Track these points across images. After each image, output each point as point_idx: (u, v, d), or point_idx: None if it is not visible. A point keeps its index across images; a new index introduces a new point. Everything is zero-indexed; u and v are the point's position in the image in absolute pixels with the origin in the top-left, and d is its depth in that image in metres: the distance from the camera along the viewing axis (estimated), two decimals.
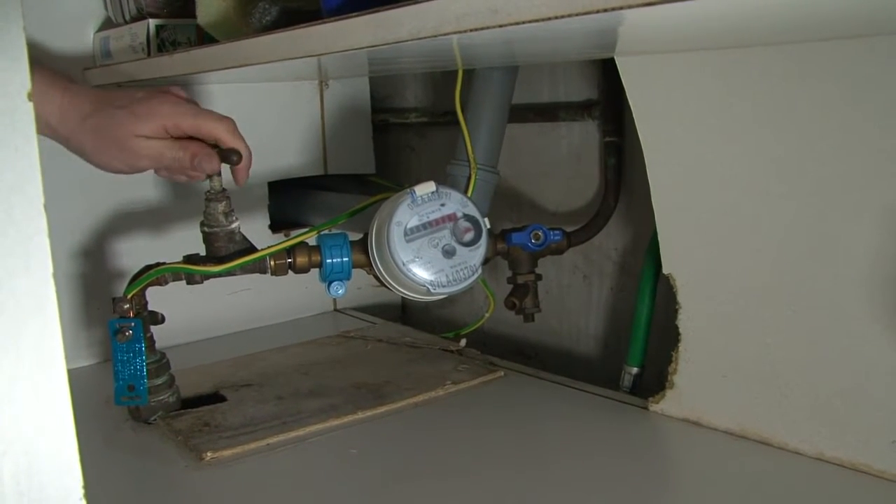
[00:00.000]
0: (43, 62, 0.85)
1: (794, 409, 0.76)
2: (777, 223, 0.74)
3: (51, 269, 0.35)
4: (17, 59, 0.34)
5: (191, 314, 1.19)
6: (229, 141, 0.83)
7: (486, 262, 0.85)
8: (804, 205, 0.72)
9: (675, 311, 0.84)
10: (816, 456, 0.75)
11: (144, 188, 1.17)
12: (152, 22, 1.01)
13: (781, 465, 0.76)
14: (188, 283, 0.86)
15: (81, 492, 0.36)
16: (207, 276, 0.86)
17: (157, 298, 0.90)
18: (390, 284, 0.84)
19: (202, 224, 0.87)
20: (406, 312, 1.49)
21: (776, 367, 0.77)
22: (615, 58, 0.82)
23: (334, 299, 1.40)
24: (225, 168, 0.85)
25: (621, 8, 0.40)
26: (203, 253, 0.87)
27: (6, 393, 0.34)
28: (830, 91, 0.68)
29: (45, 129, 0.84)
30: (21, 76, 0.34)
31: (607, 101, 1.05)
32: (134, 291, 0.86)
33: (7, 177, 0.34)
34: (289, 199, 1.32)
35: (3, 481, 0.34)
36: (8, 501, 0.34)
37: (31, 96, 0.34)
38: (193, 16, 0.94)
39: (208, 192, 0.86)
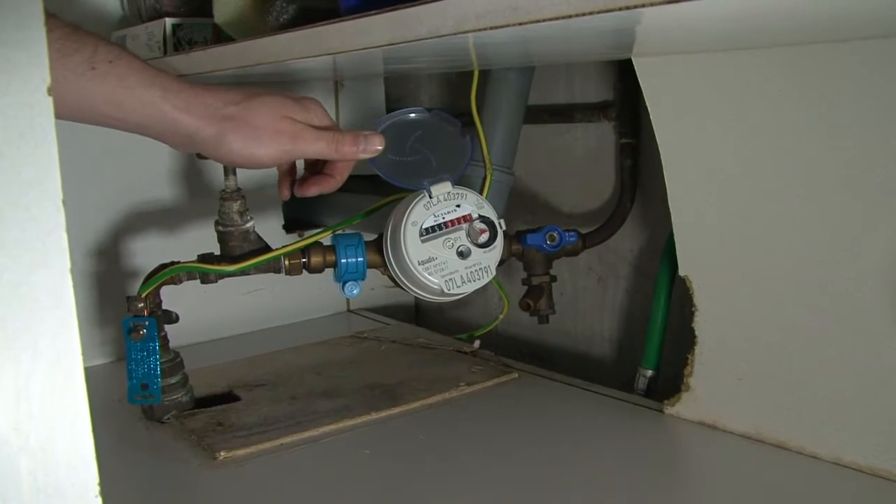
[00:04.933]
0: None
1: (811, 412, 0.76)
2: (795, 225, 0.74)
3: (68, 265, 0.35)
4: (38, 54, 0.34)
5: (205, 313, 1.19)
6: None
7: (500, 263, 0.85)
8: (822, 206, 0.72)
9: (692, 314, 0.84)
10: (834, 460, 0.75)
11: (159, 187, 1.17)
12: (169, 21, 1.01)
13: (798, 469, 0.75)
14: (202, 282, 0.86)
15: (97, 488, 0.36)
16: (222, 276, 0.86)
17: (171, 297, 0.90)
18: (405, 285, 0.83)
19: (217, 223, 0.87)
20: (420, 313, 1.49)
21: (793, 370, 0.76)
22: (632, 59, 0.81)
23: (348, 300, 1.40)
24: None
25: (642, 6, 0.40)
26: (217, 252, 0.88)
27: (23, 388, 0.34)
28: (849, 92, 0.67)
29: (155, 121, 0.72)
30: (41, 70, 0.34)
31: (623, 103, 1.05)
32: (148, 290, 0.86)
33: (26, 172, 0.34)
34: (303, 199, 1.32)
35: (20, 476, 0.34)
36: (25, 496, 0.34)
37: (50, 91, 0.34)
38: (210, 15, 0.94)
39: (223, 191, 0.86)
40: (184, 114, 0.72)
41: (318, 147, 0.76)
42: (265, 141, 0.74)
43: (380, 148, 0.79)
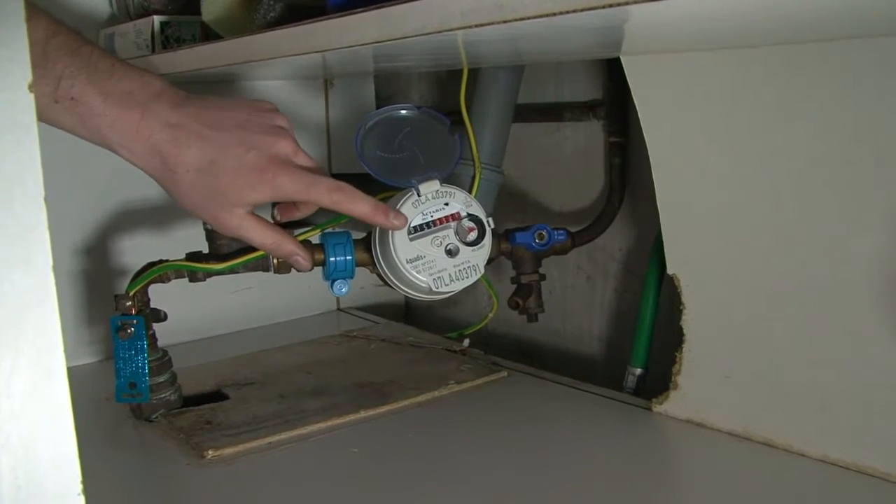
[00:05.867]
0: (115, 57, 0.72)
1: (798, 410, 0.76)
2: (783, 224, 0.74)
3: (51, 263, 0.35)
4: (19, 50, 0.33)
5: (194, 312, 1.19)
6: (344, 210, 0.76)
7: (489, 261, 0.85)
8: (810, 205, 0.72)
9: (680, 312, 0.84)
10: (820, 458, 0.75)
11: (148, 185, 1.16)
12: (157, 18, 1.01)
13: (785, 466, 0.75)
14: (191, 280, 0.86)
15: (80, 487, 0.36)
16: (210, 274, 0.86)
17: (160, 296, 0.90)
18: (393, 283, 0.83)
19: (205, 221, 0.87)
20: (409, 312, 1.49)
21: (781, 368, 0.76)
22: (621, 57, 0.81)
23: (337, 298, 1.40)
24: None
25: (626, 3, 0.40)
26: (206, 250, 0.87)
27: (4, 386, 0.34)
28: (837, 92, 0.68)
29: (100, 142, 0.71)
30: (22, 67, 0.34)
31: (612, 101, 1.05)
32: (136, 288, 0.85)
33: (7, 169, 0.34)
34: None
35: (0, 475, 0.34)
36: (5, 496, 0.34)
37: (31, 87, 0.34)
38: (198, 12, 0.94)
39: None
40: (140, 162, 0.72)
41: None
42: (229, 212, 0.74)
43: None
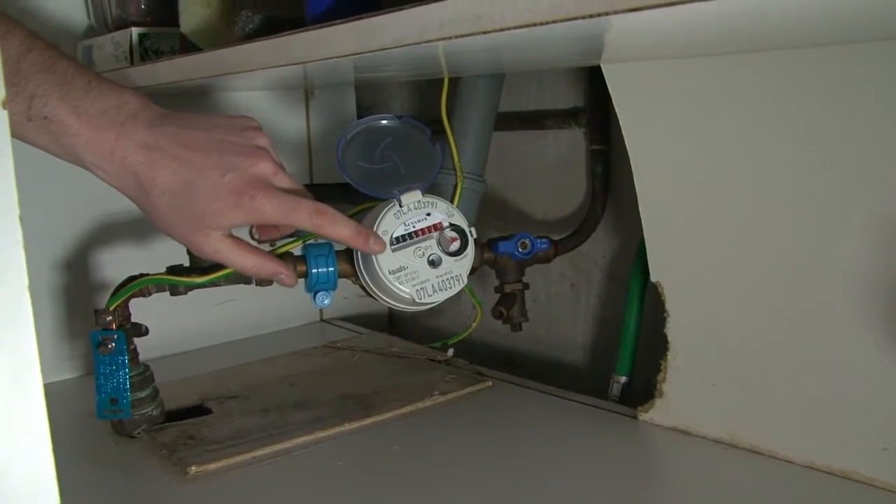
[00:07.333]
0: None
1: (783, 417, 0.76)
2: (765, 230, 0.74)
3: (26, 282, 0.34)
4: None
5: (176, 325, 1.18)
6: (325, 234, 0.75)
7: (472, 271, 0.84)
8: (792, 212, 0.72)
9: (664, 320, 0.84)
10: (806, 464, 0.75)
11: (127, 199, 1.16)
12: (135, 30, 1.01)
13: (771, 473, 0.75)
14: (172, 294, 0.85)
15: None
16: (191, 287, 0.85)
17: (142, 310, 0.89)
18: (376, 294, 0.83)
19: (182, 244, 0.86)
20: (393, 323, 1.48)
21: (765, 374, 0.77)
22: (601, 65, 0.81)
23: (321, 310, 1.39)
24: None
25: (605, 14, 0.40)
26: (187, 264, 0.87)
27: None
28: (818, 98, 0.68)
29: (74, 161, 0.70)
30: None
31: (594, 109, 1.05)
32: (116, 303, 0.85)
33: None
34: None
35: None
36: None
37: (5, 104, 0.33)
38: (177, 24, 0.93)
39: None
40: (116, 182, 0.70)
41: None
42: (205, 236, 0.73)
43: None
